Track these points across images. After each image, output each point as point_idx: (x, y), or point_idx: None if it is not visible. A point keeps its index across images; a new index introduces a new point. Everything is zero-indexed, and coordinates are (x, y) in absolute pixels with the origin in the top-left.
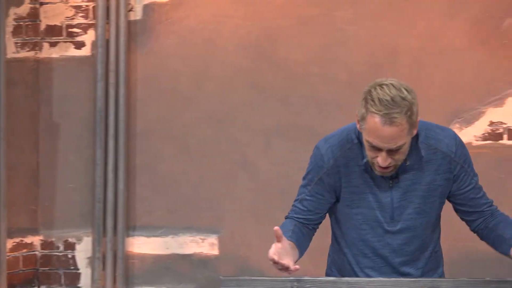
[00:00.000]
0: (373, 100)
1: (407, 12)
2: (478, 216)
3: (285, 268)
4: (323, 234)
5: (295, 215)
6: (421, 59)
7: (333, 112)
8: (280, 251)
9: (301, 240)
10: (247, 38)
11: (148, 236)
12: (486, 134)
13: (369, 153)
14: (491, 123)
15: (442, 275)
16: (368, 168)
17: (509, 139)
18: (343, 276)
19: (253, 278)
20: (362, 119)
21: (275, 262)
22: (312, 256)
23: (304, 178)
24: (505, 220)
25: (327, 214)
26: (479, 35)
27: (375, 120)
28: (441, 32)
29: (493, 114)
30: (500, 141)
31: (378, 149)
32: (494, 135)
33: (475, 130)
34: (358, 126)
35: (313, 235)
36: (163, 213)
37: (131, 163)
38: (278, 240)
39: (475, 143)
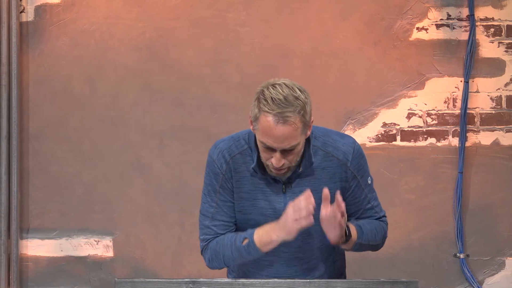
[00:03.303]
0: (266, 100)
1: (300, 13)
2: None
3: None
4: None
5: (221, 232)
6: (313, 60)
7: (226, 113)
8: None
9: None
10: (140, 39)
11: (42, 239)
12: (380, 136)
13: (263, 155)
14: (384, 124)
15: None
16: (259, 173)
17: (402, 140)
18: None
19: (148, 280)
20: (255, 119)
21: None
22: None
23: (205, 194)
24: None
25: None
26: (371, 36)
27: (268, 119)
28: (333, 33)
29: (386, 116)
30: (393, 142)
31: (272, 150)
32: (387, 136)
33: (369, 131)
34: (251, 127)
35: None
36: (57, 215)
37: (24, 165)
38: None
39: (368, 144)
